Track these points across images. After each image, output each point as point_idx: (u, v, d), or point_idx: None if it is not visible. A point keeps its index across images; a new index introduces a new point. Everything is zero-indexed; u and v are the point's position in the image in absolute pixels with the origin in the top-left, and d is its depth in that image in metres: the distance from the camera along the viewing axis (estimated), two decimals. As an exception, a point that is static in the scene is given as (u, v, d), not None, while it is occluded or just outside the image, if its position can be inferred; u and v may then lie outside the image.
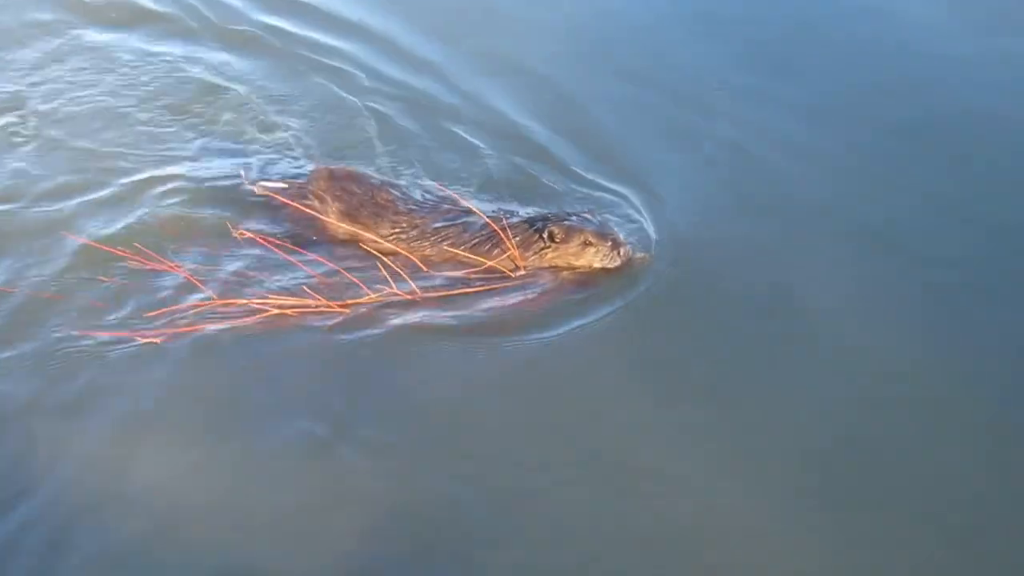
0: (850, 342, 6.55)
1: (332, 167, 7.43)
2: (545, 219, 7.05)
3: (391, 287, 6.67)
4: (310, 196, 7.17)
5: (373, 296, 6.63)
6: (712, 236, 7.21)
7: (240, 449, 5.91)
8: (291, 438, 5.94)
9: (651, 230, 7.27)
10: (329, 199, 7.14)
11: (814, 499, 5.74)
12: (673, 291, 6.82)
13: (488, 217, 7.06)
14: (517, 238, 6.98)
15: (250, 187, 7.37)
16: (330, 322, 6.53)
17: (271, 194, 7.23)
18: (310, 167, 7.53)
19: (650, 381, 6.31)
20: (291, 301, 6.57)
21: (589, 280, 6.93)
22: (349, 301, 6.62)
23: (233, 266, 6.85)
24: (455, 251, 7.02)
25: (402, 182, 7.52)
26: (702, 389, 6.27)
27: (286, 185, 7.29)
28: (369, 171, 7.53)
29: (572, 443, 5.97)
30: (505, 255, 6.96)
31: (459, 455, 5.87)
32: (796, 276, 6.95)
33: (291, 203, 7.09)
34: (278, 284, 6.73)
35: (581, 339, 6.54)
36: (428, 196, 7.34)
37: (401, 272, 6.76)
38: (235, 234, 6.96)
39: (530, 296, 6.81)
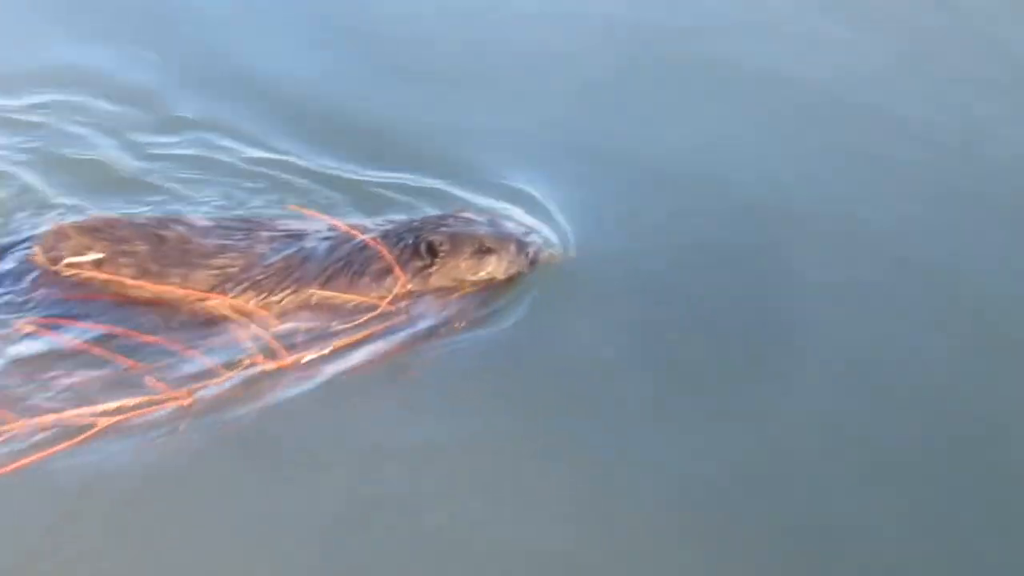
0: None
1: (76, 222, 5.74)
2: (411, 230, 5.65)
3: (252, 355, 5.18)
4: (65, 266, 5.50)
5: (227, 373, 5.09)
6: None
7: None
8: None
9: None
10: (102, 259, 5.49)
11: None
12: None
13: (339, 235, 5.62)
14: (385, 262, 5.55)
15: (48, 266, 5.55)
16: (178, 418, 4.95)
17: (83, 270, 5.49)
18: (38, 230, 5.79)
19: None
20: (121, 404, 4.93)
21: (490, 295, 5.63)
22: (196, 386, 5.04)
23: (20, 376, 5.11)
24: (323, 292, 5.49)
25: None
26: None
27: (103, 255, 5.50)
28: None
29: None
30: (378, 285, 5.52)
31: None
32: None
33: (116, 277, 5.45)
34: (95, 386, 5.06)
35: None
36: (229, 222, 5.80)
37: (255, 332, 5.28)
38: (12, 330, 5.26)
39: (421, 331, 5.45)
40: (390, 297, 5.49)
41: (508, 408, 5.12)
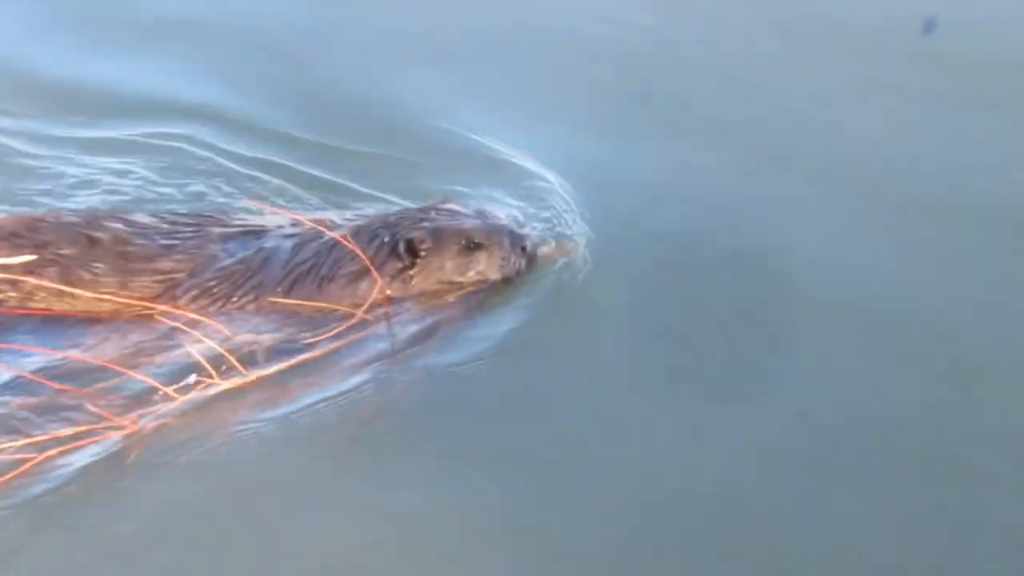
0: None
1: None
2: (388, 226, 5.03)
3: (205, 375, 4.60)
4: None
5: (177, 395, 4.53)
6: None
7: None
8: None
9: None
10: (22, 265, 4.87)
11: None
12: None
13: (303, 232, 5.03)
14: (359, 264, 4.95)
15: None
16: (124, 449, 4.40)
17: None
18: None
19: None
20: (57, 435, 4.40)
21: (484, 299, 5.04)
22: (143, 411, 4.49)
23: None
24: (287, 299, 4.90)
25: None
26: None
27: (36, 255, 4.88)
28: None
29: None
30: (351, 290, 4.94)
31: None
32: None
33: (44, 283, 4.84)
34: (25, 416, 4.52)
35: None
36: (174, 218, 5.18)
37: (209, 348, 4.70)
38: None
39: (403, 344, 4.87)
40: (366, 305, 4.89)
41: (500, 429, 4.59)
